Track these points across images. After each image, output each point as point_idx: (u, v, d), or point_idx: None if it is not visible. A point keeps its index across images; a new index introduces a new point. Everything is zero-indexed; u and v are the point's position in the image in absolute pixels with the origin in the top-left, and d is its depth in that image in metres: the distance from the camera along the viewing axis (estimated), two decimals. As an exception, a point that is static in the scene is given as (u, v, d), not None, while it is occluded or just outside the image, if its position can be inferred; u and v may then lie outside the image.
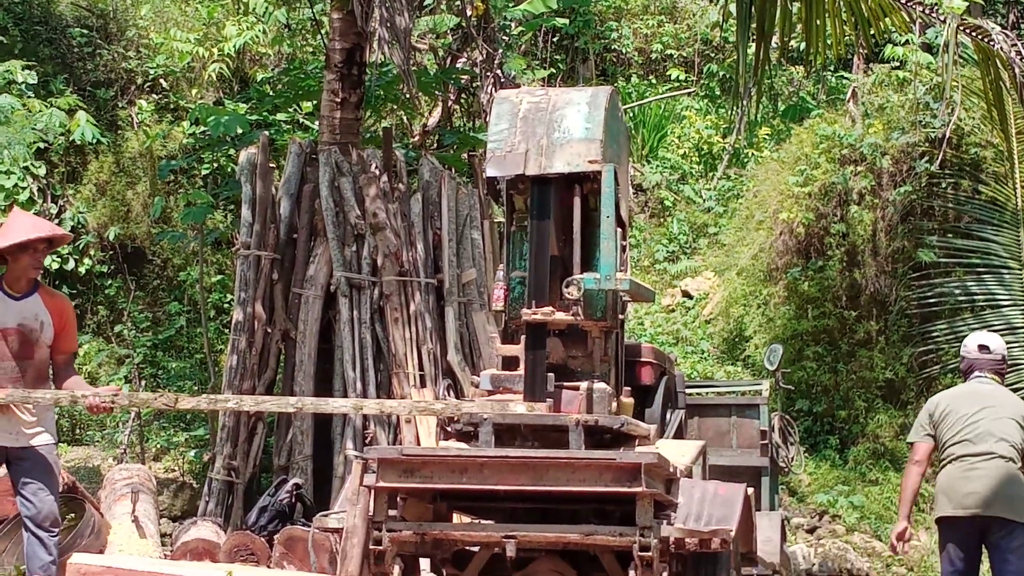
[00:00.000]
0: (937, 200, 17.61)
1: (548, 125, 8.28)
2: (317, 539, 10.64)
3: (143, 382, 17.00)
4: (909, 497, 9.38)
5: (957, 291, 17.06)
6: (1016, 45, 12.98)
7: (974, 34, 13.18)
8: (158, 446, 16.31)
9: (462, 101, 19.72)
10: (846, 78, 21.19)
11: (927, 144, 17.59)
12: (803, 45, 17.00)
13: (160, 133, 18.88)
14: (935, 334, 17.00)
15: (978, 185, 17.40)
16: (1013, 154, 16.89)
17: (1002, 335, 16.42)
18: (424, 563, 8.50)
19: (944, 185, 17.58)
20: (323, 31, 16.74)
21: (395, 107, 18.77)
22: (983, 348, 9.40)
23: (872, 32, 14.13)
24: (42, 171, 18.19)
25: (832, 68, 22.02)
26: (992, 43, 13.02)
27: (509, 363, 8.52)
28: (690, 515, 7.69)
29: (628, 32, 23.46)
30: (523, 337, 8.28)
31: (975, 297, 16.98)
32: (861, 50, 19.59)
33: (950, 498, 8.94)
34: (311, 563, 10.51)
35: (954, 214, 17.52)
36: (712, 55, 23.35)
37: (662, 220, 20.96)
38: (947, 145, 16.65)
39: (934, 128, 17.52)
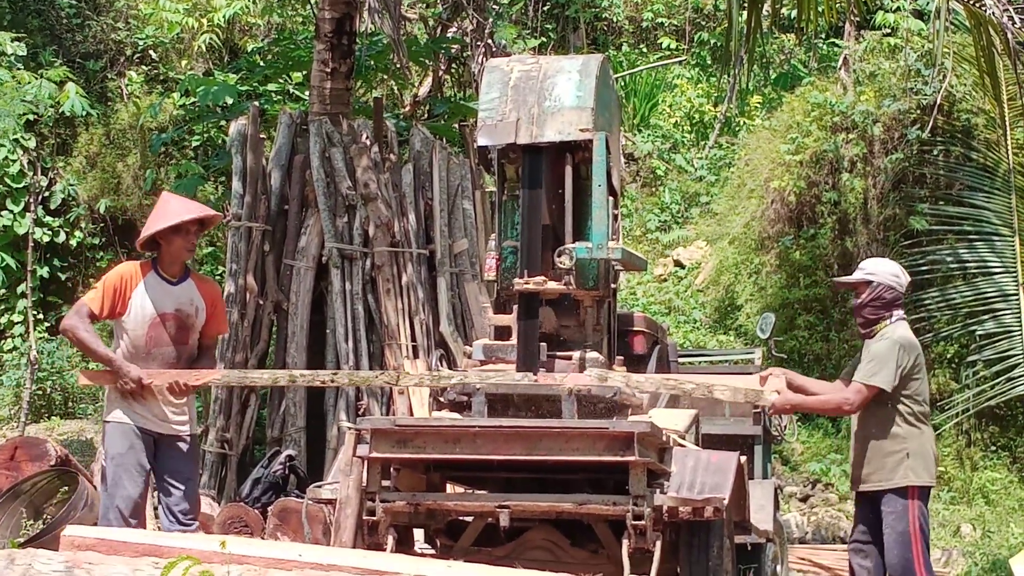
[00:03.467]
0: (929, 167, 17.61)
1: (539, 94, 8.25)
2: (311, 510, 10.65)
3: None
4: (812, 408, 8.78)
5: (949, 258, 17.07)
6: (1008, 10, 12.96)
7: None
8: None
9: (453, 71, 19.70)
10: (837, 45, 21.16)
11: (918, 111, 17.57)
12: (794, 12, 16.99)
13: (152, 107, 18.81)
14: (927, 302, 17.01)
15: (970, 152, 17.39)
16: (1005, 120, 16.88)
17: (994, 302, 16.56)
18: (418, 533, 8.50)
19: (935, 152, 17.58)
20: (312, 1, 16.69)
21: (385, 77, 18.73)
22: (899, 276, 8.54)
23: (863, -1, 14.10)
24: (32, 143, 18.15)
25: (823, 35, 21.99)
26: (984, 8, 13.00)
27: (501, 333, 8.50)
28: (683, 484, 7.68)
29: (619, 1, 23.40)
30: (515, 307, 8.27)
31: (967, 264, 16.98)
32: (852, 17, 19.53)
33: (929, 465, 8.29)
34: (305, 534, 10.53)
35: (946, 181, 17.52)
36: (703, 23, 23.30)
37: (654, 189, 20.95)
38: (938, 112, 16.65)
39: (925, 95, 17.51)
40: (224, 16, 19.53)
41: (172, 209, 8.38)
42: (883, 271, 8.45)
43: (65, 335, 8.36)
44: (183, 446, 8.27)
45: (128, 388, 8.03)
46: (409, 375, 8.60)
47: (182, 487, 8.20)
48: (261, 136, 13.88)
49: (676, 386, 8.33)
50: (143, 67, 20.22)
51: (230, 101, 16.29)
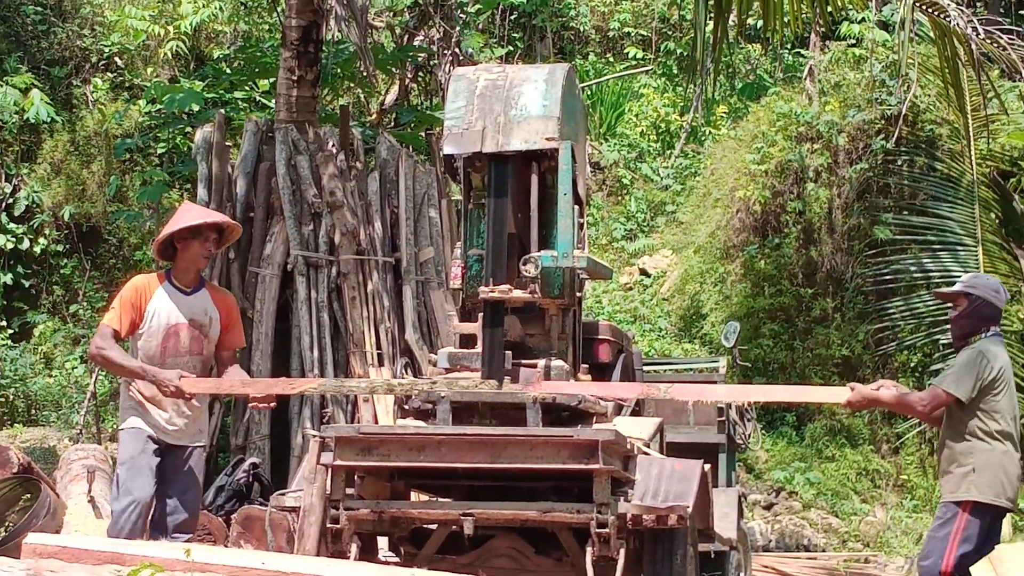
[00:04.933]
0: (893, 177, 17.69)
1: (505, 102, 8.26)
2: (274, 518, 10.61)
3: (99, 362, 16.88)
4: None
5: (913, 268, 17.14)
6: (972, 22, 13.05)
7: (930, 11, 13.24)
8: (113, 426, 16.22)
9: (419, 79, 19.70)
10: (803, 56, 21.24)
11: (883, 121, 17.66)
12: (760, 23, 17.06)
13: (117, 114, 18.76)
14: (891, 311, 17.09)
15: (934, 162, 17.48)
16: (968, 131, 16.97)
17: (958, 312, 16.60)
18: (382, 541, 8.49)
19: (900, 162, 17.67)
20: (279, 8, 16.67)
21: (352, 85, 18.72)
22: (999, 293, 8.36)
23: (829, 9, 14.18)
24: (-4, 150, 18.06)
25: (789, 46, 22.07)
26: (948, 20, 13.07)
27: (467, 341, 8.51)
28: (647, 491, 7.70)
29: (586, 10, 23.45)
30: (481, 315, 8.27)
31: (930, 274, 17.05)
32: (818, 28, 19.63)
33: (1004, 485, 7.93)
34: (268, 542, 10.49)
35: (910, 191, 17.61)
36: (670, 33, 23.36)
37: (620, 198, 20.98)
38: (903, 122, 16.73)
39: (890, 105, 17.60)
40: (190, 23, 19.49)
41: (192, 213, 8.38)
42: (983, 285, 8.33)
43: (95, 360, 8.32)
44: (193, 457, 8.26)
45: (169, 394, 8.01)
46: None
47: (176, 498, 8.17)
48: (227, 143, 13.85)
49: (768, 393, 8.29)
50: (108, 74, 20.15)
51: (196, 108, 16.24)
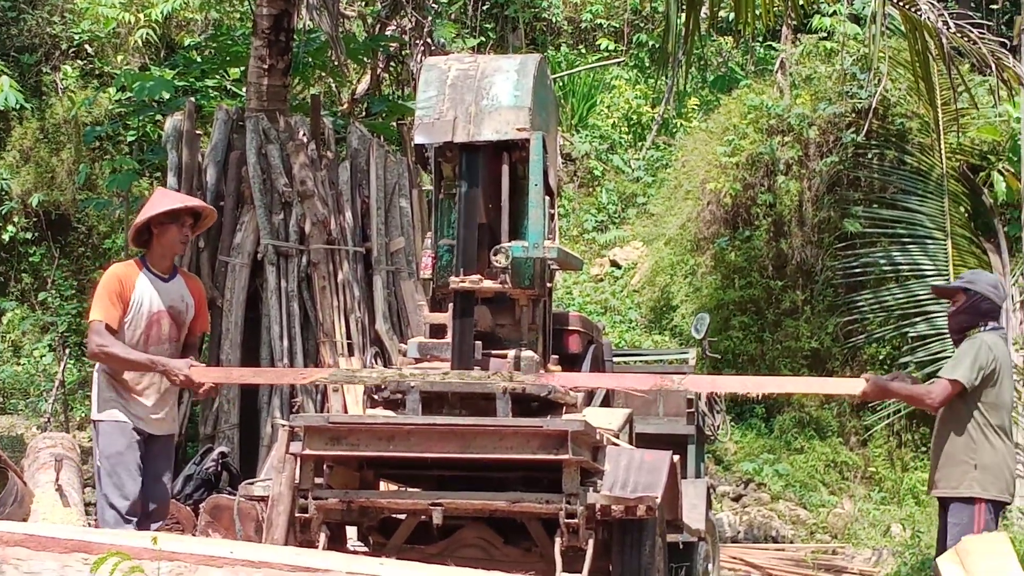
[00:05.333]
0: (863, 170, 17.75)
1: (476, 92, 8.25)
2: (243, 507, 10.59)
3: (68, 350, 16.85)
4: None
5: (882, 261, 17.21)
6: (943, 15, 13.08)
7: (901, 4, 13.27)
8: (82, 415, 16.18)
9: (391, 69, 19.67)
10: (774, 48, 21.29)
11: (854, 115, 17.71)
12: (732, 15, 17.09)
13: (86, 100, 18.69)
14: (860, 304, 17.15)
15: (904, 156, 17.54)
16: (939, 124, 17.02)
17: (926, 305, 16.71)
18: (351, 531, 8.48)
19: (870, 155, 17.73)
20: (250, -3, 16.62)
21: (323, 74, 18.67)
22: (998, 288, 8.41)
23: (801, 2, 14.20)
24: (-36, 137, 17.97)
25: (761, 39, 22.11)
26: (919, 13, 13.11)
27: (437, 331, 8.50)
28: (616, 482, 7.71)
29: (558, 1, 23.45)
30: (451, 305, 8.27)
31: (900, 267, 17.13)
32: (789, 20, 19.66)
33: (1007, 480, 8.01)
34: (237, 531, 10.47)
35: (880, 184, 17.67)
36: (642, 25, 23.38)
37: (591, 190, 21.00)
38: (873, 116, 16.77)
39: (861, 99, 17.65)
40: (161, 11, 19.41)
41: (168, 198, 8.35)
42: (981, 281, 8.34)
43: (98, 359, 8.16)
44: (166, 444, 8.27)
45: (179, 384, 8.03)
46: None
47: (151, 486, 8.17)
48: (197, 132, 13.80)
49: (781, 384, 8.46)
50: (79, 61, 20.07)
51: (166, 96, 16.19)
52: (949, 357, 16.42)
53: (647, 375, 9.08)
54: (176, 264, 8.46)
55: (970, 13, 17.45)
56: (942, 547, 8.08)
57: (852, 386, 8.34)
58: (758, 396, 16.88)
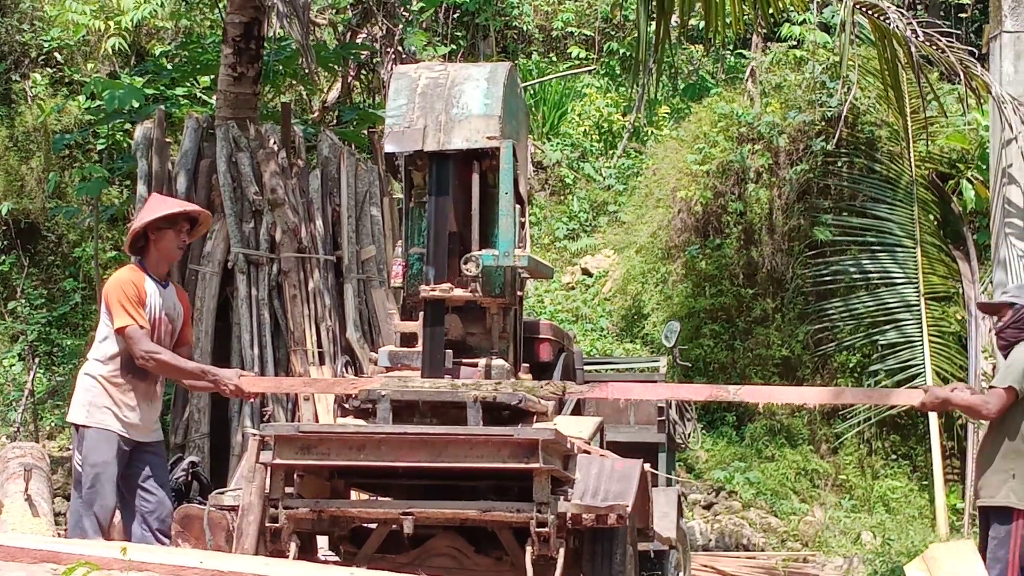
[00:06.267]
0: (833, 178, 17.80)
1: (447, 101, 8.25)
2: (213, 517, 10.53)
3: (37, 359, 16.77)
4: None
5: (852, 269, 17.26)
6: (911, 24, 13.15)
7: (870, 13, 13.33)
8: (52, 424, 16.11)
9: (362, 77, 19.65)
10: (744, 57, 21.34)
11: (823, 123, 17.77)
12: (703, 23, 17.12)
13: (55, 107, 18.62)
14: (830, 312, 17.20)
15: (873, 164, 17.60)
16: (908, 132, 17.10)
17: (896, 312, 16.77)
18: (322, 540, 8.46)
19: (840, 164, 17.78)
20: (221, 4, 16.58)
21: (294, 82, 18.64)
22: None
23: (770, 11, 14.24)
24: (-67, 145, 17.89)
25: (731, 47, 22.17)
26: (888, 22, 13.17)
27: (407, 340, 8.50)
28: (587, 491, 7.71)
29: (529, 9, 23.47)
30: (421, 314, 8.26)
31: (870, 275, 17.18)
32: (759, 29, 19.70)
33: None
34: (207, 541, 10.43)
35: (849, 192, 17.73)
36: (612, 33, 23.41)
37: (562, 198, 21.01)
38: (843, 124, 16.83)
39: (830, 107, 17.71)
40: (131, 19, 19.35)
41: (165, 203, 8.34)
42: None
43: (148, 367, 8.12)
44: (158, 452, 8.31)
45: (229, 393, 8.12)
46: (575, 388, 8.55)
47: (158, 494, 8.26)
48: (167, 140, 13.77)
49: (838, 396, 10.02)
50: (48, 69, 19.99)
51: (136, 104, 16.12)
52: (919, 365, 16.60)
53: (702, 386, 9.07)
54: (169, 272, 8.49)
55: (938, 22, 17.53)
56: (984, 558, 8.10)
57: (911, 397, 8.43)
58: (728, 403, 16.94)
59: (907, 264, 16.99)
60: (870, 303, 16.98)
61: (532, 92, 21.63)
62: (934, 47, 13.63)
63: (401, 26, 18.91)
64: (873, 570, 13.55)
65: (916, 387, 15.82)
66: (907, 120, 16.84)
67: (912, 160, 17.23)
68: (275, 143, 13.60)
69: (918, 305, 16.72)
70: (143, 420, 8.12)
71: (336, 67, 18.61)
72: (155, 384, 8.22)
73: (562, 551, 7.55)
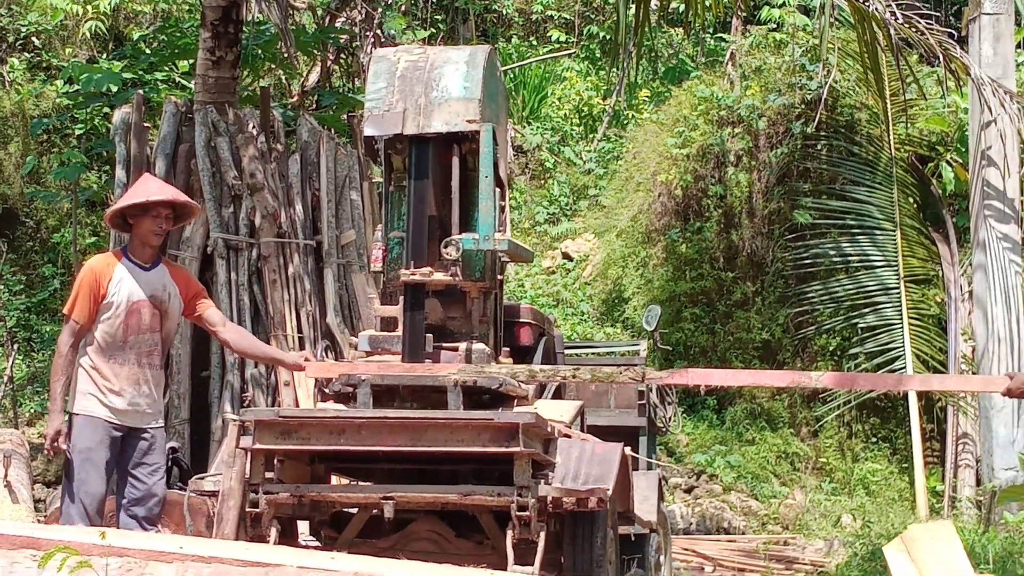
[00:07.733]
0: (812, 161, 17.82)
1: (426, 84, 8.24)
2: (193, 503, 10.52)
3: (16, 346, 16.71)
4: None
5: (832, 252, 17.29)
6: (891, 6, 13.15)
7: (850, -4, 13.31)
8: (31, 411, 16.06)
9: (341, 61, 19.59)
10: (724, 40, 21.34)
11: (803, 106, 17.78)
12: (683, 7, 17.12)
13: (33, 92, 18.54)
14: (810, 295, 17.22)
15: (853, 146, 17.62)
16: (887, 115, 17.11)
17: (876, 295, 16.80)
18: (303, 525, 8.45)
19: (819, 147, 17.80)
20: (199, -11, 16.50)
21: (273, 66, 18.59)
22: None
23: (750, -6, 14.23)
24: (-91, 130, 17.80)
25: (711, 30, 22.15)
26: (868, 5, 13.17)
27: (388, 324, 8.49)
28: (568, 474, 7.71)
29: (509, -7, 23.44)
30: (401, 298, 8.25)
31: (849, 258, 17.21)
32: (739, 12, 19.72)
33: None
34: (187, 527, 10.42)
35: (829, 175, 17.74)
36: (592, 16, 23.39)
37: (543, 182, 21.00)
38: (823, 107, 16.84)
39: (810, 90, 17.72)
40: (109, 3, 19.28)
41: (146, 188, 8.28)
42: None
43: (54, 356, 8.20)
44: (154, 438, 8.19)
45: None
46: (655, 373, 8.53)
47: (147, 481, 8.14)
48: (145, 124, 13.70)
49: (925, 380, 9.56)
50: (26, 54, 19.91)
51: (114, 89, 16.06)
52: (899, 348, 16.63)
53: (783, 372, 9.03)
54: (162, 254, 8.42)
55: (918, 4, 17.52)
56: None
57: (996, 383, 8.44)
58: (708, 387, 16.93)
59: (887, 247, 17.02)
60: (850, 286, 17.01)
61: (512, 76, 21.60)
62: (914, 29, 13.65)
63: (380, 10, 18.86)
64: (853, 552, 13.57)
65: (896, 370, 15.92)
66: (887, 103, 16.86)
67: (892, 143, 17.25)
68: (254, 127, 13.55)
69: (898, 288, 16.75)
70: (131, 404, 8.07)
71: (315, 51, 18.56)
72: (146, 368, 8.14)
73: (543, 535, 7.56)
